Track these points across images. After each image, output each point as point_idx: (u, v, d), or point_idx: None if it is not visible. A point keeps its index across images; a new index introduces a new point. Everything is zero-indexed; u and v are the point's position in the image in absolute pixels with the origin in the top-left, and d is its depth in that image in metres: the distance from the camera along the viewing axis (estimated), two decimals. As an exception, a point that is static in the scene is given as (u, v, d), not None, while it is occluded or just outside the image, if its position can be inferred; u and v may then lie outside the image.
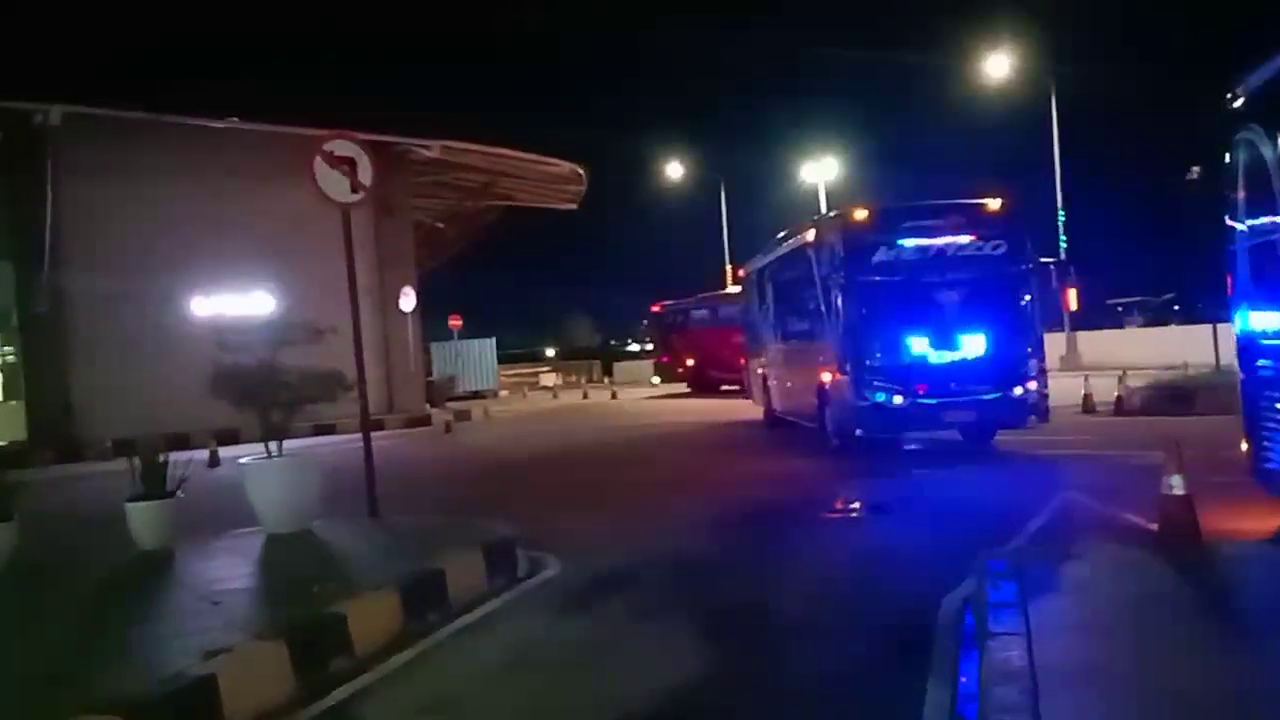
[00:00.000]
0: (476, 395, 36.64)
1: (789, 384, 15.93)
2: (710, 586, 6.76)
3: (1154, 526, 6.87)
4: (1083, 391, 16.29)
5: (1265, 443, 6.34)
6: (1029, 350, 12.21)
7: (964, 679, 4.51)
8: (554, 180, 28.95)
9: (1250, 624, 4.41)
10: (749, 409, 19.89)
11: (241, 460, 8.60)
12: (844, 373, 12.31)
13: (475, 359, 39.55)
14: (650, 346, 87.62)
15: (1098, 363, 24.47)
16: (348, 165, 8.67)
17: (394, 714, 4.79)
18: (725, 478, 12.12)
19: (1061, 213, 28.65)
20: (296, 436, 9.55)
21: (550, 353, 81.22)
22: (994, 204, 12.36)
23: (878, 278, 12.01)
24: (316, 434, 17.88)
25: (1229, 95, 6.54)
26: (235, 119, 22.33)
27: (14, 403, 21.94)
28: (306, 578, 6.51)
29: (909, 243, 12.06)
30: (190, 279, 21.56)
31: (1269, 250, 6.15)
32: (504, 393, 40.81)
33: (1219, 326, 18.98)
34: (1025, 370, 12.03)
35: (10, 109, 19.77)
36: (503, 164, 26.58)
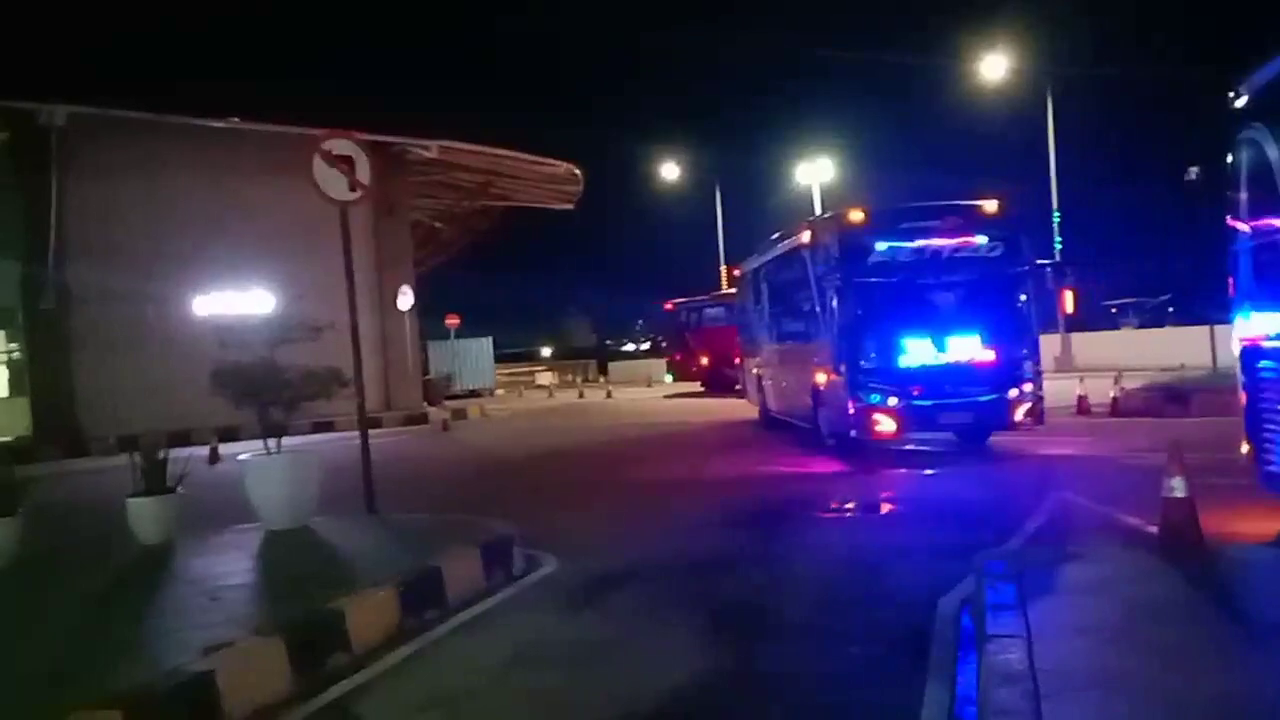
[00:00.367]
0: (473, 394, 36.68)
1: (784, 384, 15.96)
2: (706, 585, 6.76)
3: (1153, 529, 6.89)
4: (1077, 393, 16.31)
5: (1268, 445, 6.35)
6: (1025, 352, 12.23)
7: (963, 681, 4.54)
8: (551, 180, 28.98)
9: (1254, 628, 4.40)
10: (743, 409, 19.90)
11: (241, 457, 8.63)
12: (839, 374, 12.33)
13: (472, 358, 39.59)
14: (646, 345, 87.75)
15: (1092, 364, 24.51)
16: (346, 164, 8.70)
17: (391, 711, 4.79)
18: (720, 477, 12.13)
19: (1057, 214, 28.70)
20: (295, 433, 9.57)
21: (546, 352, 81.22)
22: (990, 205, 12.38)
23: (873, 279, 12.01)
24: (315, 431, 17.87)
25: (1232, 95, 6.54)
26: (236, 119, 22.39)
27: (20, 398, 22.00)
28: (305, 574, 6.53)
29: (905, 244, 12.06)
30: (193, 277, 21.69)
31: (1273, 251, 6.16)
32: (500, 391, 40.87)
33: (1216, 328, 19.09)
34: (1021, 372, 12.05)
35: (16, 109, 19.87)
36: (500, 164, 26.61)
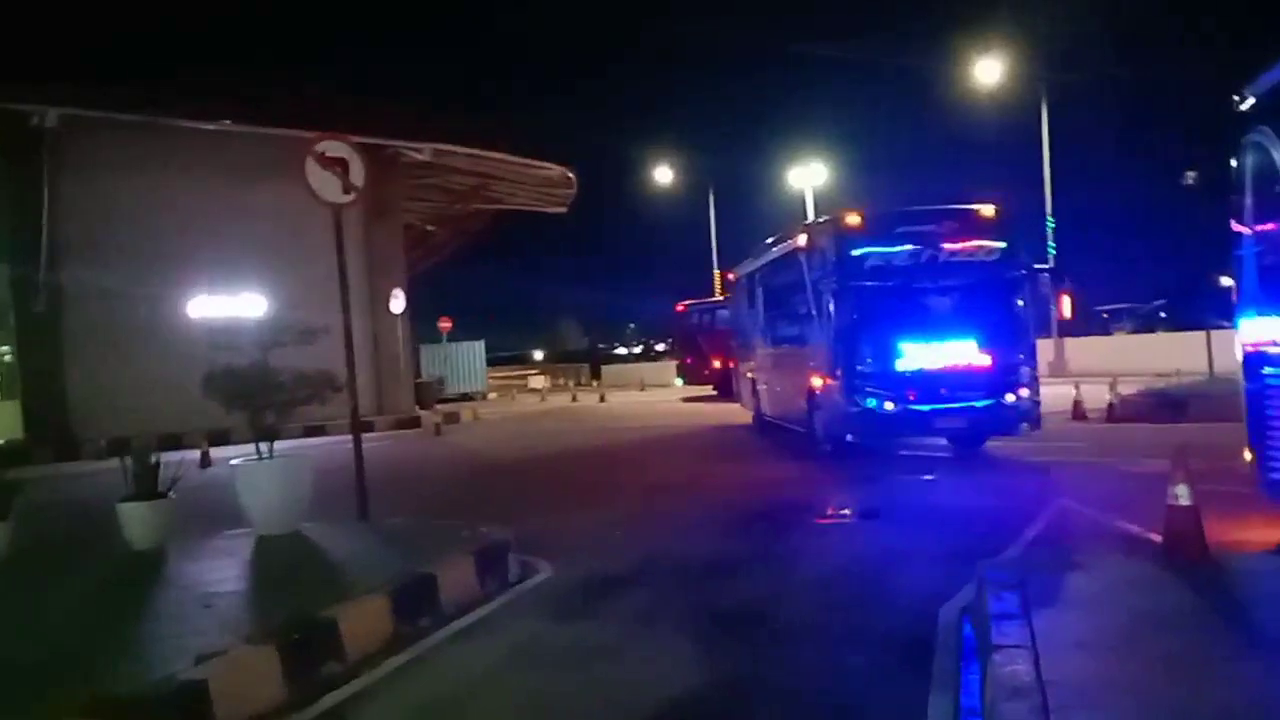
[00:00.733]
0: (465, 397, 36.56)
1: (779, 388, 15.91)
2: (703, 592, 6.70)
3: (1154, 536, 6.85)
4: (1073, 398, 16.31)
5: (1271, 452, 6.30)
6: (1021, 357, 12.20)
7: (966, 692, 4.48)
8: (544, 184, 28.91)
9: (1263, 639, 4.35)
10: (737, 413, 19.86)
11: (233, 461, 8.54)
12: (835, 378, 12.29)
13: (464, 361, 39.51)
14: (638, 349, 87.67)
15: (1086, 369, 24.57)
16: (340, 166, 8.62)
17: (386, 721, 4.72)
18: (715, 482, 12.06)
19: (1050, 219, 28.72)
20: (286, 437, 9.51)
21: (538, 355, 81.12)
22: (987, 209, 12.36)
23: (869, 282, 11.98)
24: (306, 435, 17.80)
25: (1236, 98, 6.50)
26: (228, 121, 22.28)
27: (10, 401, 21.87)
28: (298, 581, 6.45)
29: (901, 248, 12.03)
30: (184, 279, 21.58)
31: (1277, 255, 6.12)
32: (492, 395, 40.77)
33: (1213, 333, 19.12)
34: (1017, 377, 12.01)
35: (7, 110, 19.75)
36: (493, 167, 26.55)
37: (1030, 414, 12.09)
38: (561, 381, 51.09)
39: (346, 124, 11.95)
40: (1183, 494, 5.58)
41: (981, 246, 12.10)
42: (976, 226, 12.25)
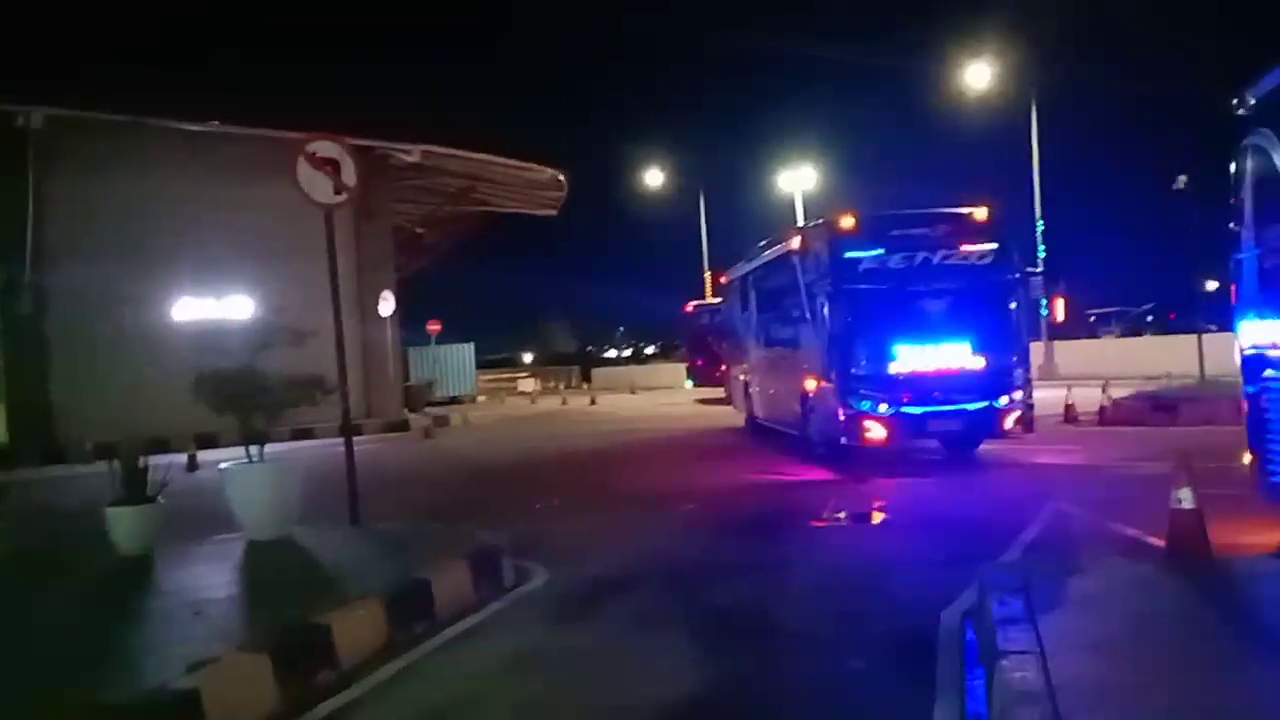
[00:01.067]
0: (454, 401, 36.41)
1: (772, 391, 15.86)
2: (700, 597, 6.62)
3: (1153, 539, 6.83)
4: (1065, 401, 16.31)
5: (1272, 455, 6.27)
6: (1014, 359, 12.18)
7: (972, 698, 4.42)
8: (534, 186, 28.81)
9: (1272, 642, 4.31)
10: (729, 416, 19.81)
11: (222, 465, 8.42)
12: (828, 381, 12.25)
13: (453, 364, 39.33)
14: (628, 351, 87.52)
15: (1075, 373, 24.61)
16: (331, 167, 8.53)
17: (382, 729, 4.63)
18: (710, 485, 11.99)
19: (1040, 222, 28.80)
20: (274, 441, 9.35)
21: (528, 358, 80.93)
22: (980, 212, 12.33)
23: (863, 285, 11.94)
24: (294, 438, 17.64)
25: (1236, 102, 6.48)
26: (216, 122, 22.13)
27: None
28: (289, 586, 6.35)
29: (895, 250, 11.99)
30: (172, 282, 21.44)
31: (1278, 258, 6.10)
32: (482, 398, 40.61)
33: (1205, 337, 19.19)
34: (1011, 380, 11.99)
35: (-8, 110, 19.54)
36: (483, 169, 26.42)
37: (1023, 416, 12.07)
38: (552, 384, 50.98)
39: (335, 125, 11.85)
40: (1186, 497, 5.54)
41: (975, 249, 12.07)
42: (970, 229, 12.22)
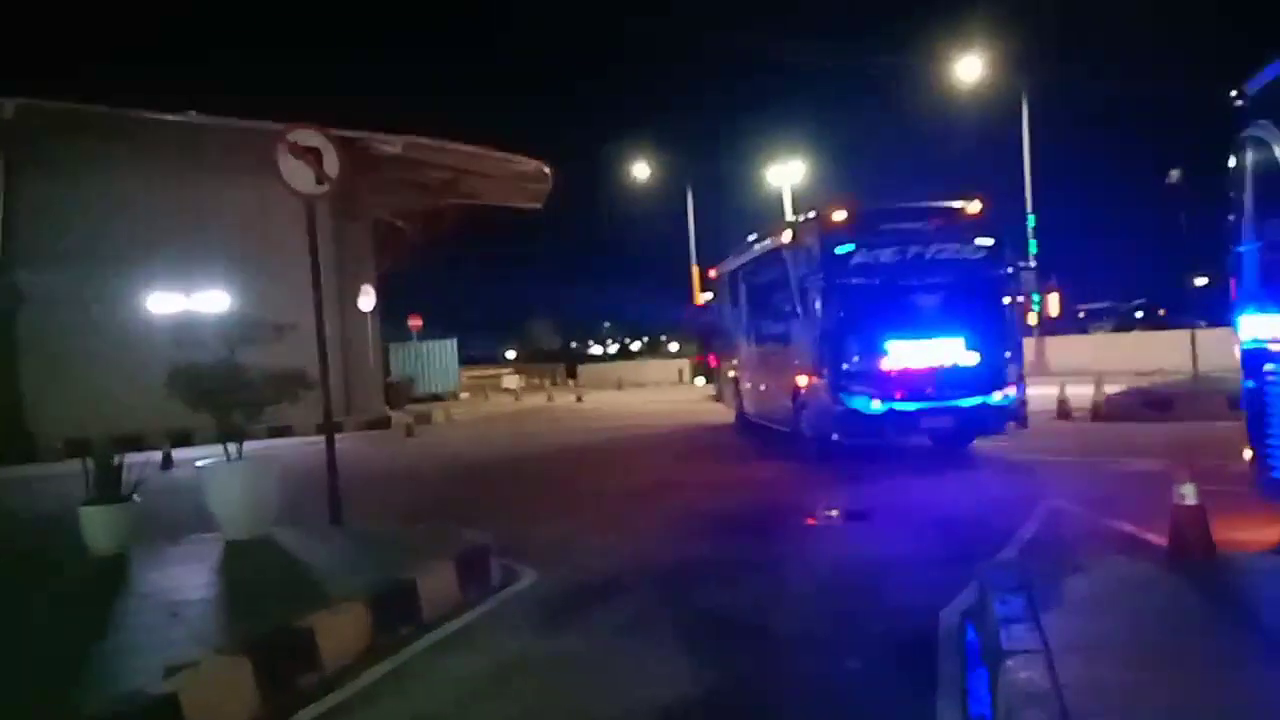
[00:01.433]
0: (435, 398, 36.12)
1: (763, 387, 15.72)
2: (693, 597, 6.48)
3: (1150, 535, 6.73)
4: (1057, 397, 16.25)
5: (1271, 451, 6.19)
6: (1008, 355, 12.08)
7: (974, 698, 4.29)
8: (519, 178, 28.53)
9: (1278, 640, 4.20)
10: (718, 412, 19.68)
11: (199, 463, 8.20)
12: (820, 376, 12.11)
13: (435, 360, 39.01)
14: (614, 348, 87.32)
15: (1066, 369, 24.60)
16: (312, 156, 8.32)
17: (366, 736, 4.47)
18: (699, 483, 11.85)
19: (1031, 217, 28.79)
20: (252, 438, 9.15)
21: (511, 355, 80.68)
22: (973, 206, 12.23)
23: (855, 280, 11.82)
24: (272, 436, 17.41)
25: (1236, 93, 6.39)
26: (193, 112, 21.79)
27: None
28: (270, 588, 6.17)
29: (887, 244, 11.87)
30: (145, 276, 21.13)
31: (1278, 251, 6.00)
32: (465, 395, 40.32)
33: (1198, 332, 19.21)
34: (1004, 375, 11.89)
35: (-39, 102, 19.15)
36: (467, 161, 26.12)
37: (1017, 413, 11.99)
38: (536, 381, 50.75)
39: (315, 116, 11.63)
40: (1189, 493, 5.43)
41: (968, 243, 11.97)
42: (963, 223, 12.12)
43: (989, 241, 12.07)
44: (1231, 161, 6.64)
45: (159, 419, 12.64)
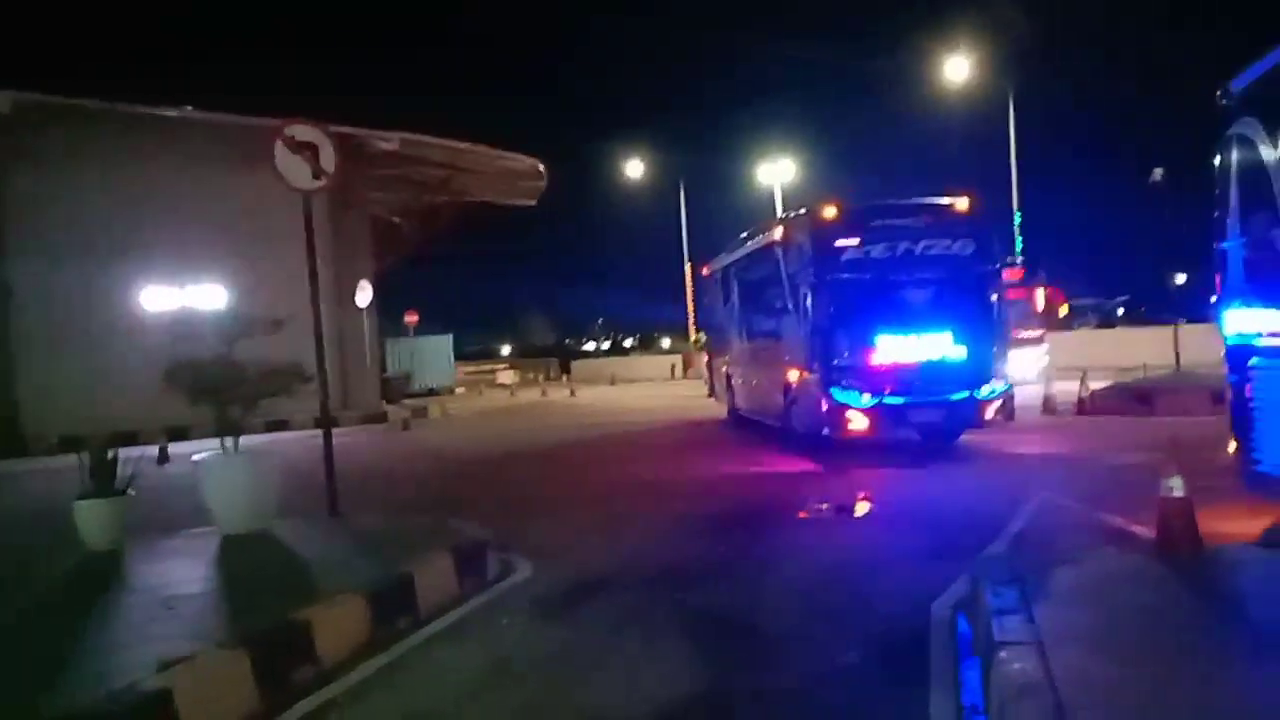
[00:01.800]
0: (431, 393, 36.13)
1: (754, 383, 15.80)
2: (687, 591, 6.53)
3: (1138, 528, 6.81)
4: (1044, 392, 16.35)
5: (1254, 444, 6.27)
6: (996, 350, 12.17)
7: (967, 690, 4.35)
8: (514, 176, 28.55)
9: (1271, 632, 4.26)
10: (710, 408, 19.73)
11: (196, 457, 8.22)
12: (811, 372, 12.19)
13: (431, 355, 39.02)
14: (607, 344, 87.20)
15: (1051, 364, 24.68)
16: (310, 151, 8.34)
17: (363, 728, 4.51)
18: (693, 477, 11.91)
19: (1018, 214, 28.92)
20: (249, 433, 9.18)
21: (506, 350, 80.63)
22: (962, 203, 12.30)
23: (846, 275, 11.90)
24: (269, 430, 17.39)
25: (1220, 92, 6.46)
26: (189, 108, 21.75)
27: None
28: (267, 581, 6.20)
29: (878, 241, 11.95)
30: (141, 270, 21.09)
31: (1263, 247, 6.08)
32: (460, 390, 40.32)
33: (1181, 328, 19.34)
34: (992, 370, 11.98)
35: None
36: (462, 158, 26.15)
37: (1005, 407, 12.07)
38: (531, 376, 50.73)
39: (312, 114, 11.64)
40: (1177, 485, 5.50)
41: (957, 239, 12.04)
42: (952, 219, 12.20)
43: (978, 237, 12.16)
44: (1216, 159, 6.72)
45: (156, 415, 12.66)
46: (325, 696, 4.76)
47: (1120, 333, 29.88)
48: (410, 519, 8.55)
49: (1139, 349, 22.81)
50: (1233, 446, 6.68)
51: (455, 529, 7.45)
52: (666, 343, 65.62)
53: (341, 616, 5.44)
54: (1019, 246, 28.22)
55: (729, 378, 17.80)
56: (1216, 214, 6.81)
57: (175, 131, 21.46)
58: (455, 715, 4.64)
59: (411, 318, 38.08)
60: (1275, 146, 5.84)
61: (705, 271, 20.95)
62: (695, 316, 37.16)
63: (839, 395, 11.72)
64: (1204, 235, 7.08)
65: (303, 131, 8.33)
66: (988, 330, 12.18)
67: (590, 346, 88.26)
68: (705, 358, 22.96)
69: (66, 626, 5.54)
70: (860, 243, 11.93)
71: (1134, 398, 15.62)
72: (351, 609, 5.55)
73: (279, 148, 8.21)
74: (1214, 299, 7.00)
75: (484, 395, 37.71)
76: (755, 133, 57.23)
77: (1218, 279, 6.84)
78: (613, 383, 38.60)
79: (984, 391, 11.87)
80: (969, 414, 12.01)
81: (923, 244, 12.02)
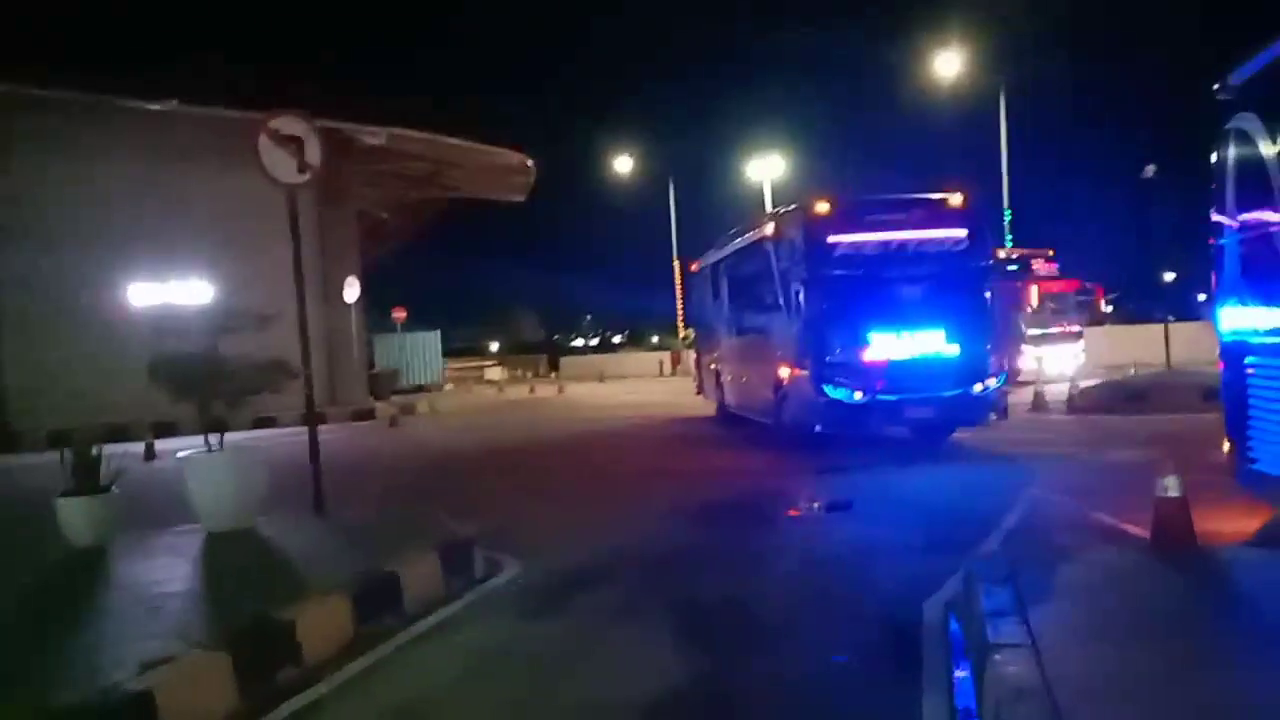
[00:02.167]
0: (420, 389, 35.95)
1: (744, 379, 15.73)
2: (676, 589, 6.48)
3: (1130, 526, 6.78)
4: (1034, 389, 16.35)
5: (1250, 442, 6.23)
6: (988, 347, 12.13)
7: (961, 692, 4.30)
8: (502, 171, 28.44)
9: (1266, 630, 4.22)
10: (699, 405, 19.67)
11: (180, 454, 8.12)
12: (803, 368, 12.13)
13: (419, 352, 38.80)
14: (595, 341, 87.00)
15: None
16: (295, 144, 8.24)
17: (348, 729, 4.43)
18: (684, 474, 11.86)
19: (1008, 210, 28.94)
20: (235, 429, 9.08)
21: (494, 347, 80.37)
22: (955, 199, 12.25)
23: (838, 271, 11.84)
24: (255, 427, 17.26)
25: (1217, 87, 6.40)
26: (175, 101, 21.55)
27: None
28: (251, 580, 6.12)
29: (870, 236, 11.90)
30: (127, 265, 20.92)
31: (1261, 244, 6.03)
32: (448, 387, 40.15)
33: (1170, 326, 19.38)
34: (985, 367, 11.94)
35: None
36: (450, 153, 26.03)
37: (998, 404, 12.05)
38: (519, 373, 50.54)
39: (298, 106, 11.51)
40: (1172, 485, 5.46)
41: (950, 235, 12.00)
42: (944, 215, 12.15)
43: (971, 233, 12.11)
44: (1213, 154, 6.66)
45: (143, 410, 12.52)
46: (309, 698, 4.69)
47: (1110, 330, 29.90)
48: (396, 516, 8.47)
49: (1130, 347, 22.83)
50: (1226, 446, 6.65)
51: (442, 526, 7.36)
52: (656, 339, 65.57)
53: (326, 616, 5.37)
54: (1009, 242, 28.22)
55: (718, 374, 17.72)
56: (1213, 210, 6.76)
57: (162, 124, 21.29)
58: (442, 712, 4.59)
59: (400, 314, 37.82)
60: (1274, 142, 5.79)
61: (694, 267, 20.86)
62: (684, 312, 37.27)
63: (831, 392, 11.67)
64: (1196, 232, 7.04)
65: (288, 124, 8.22)
66: (981, 326, 12.13)
67: (579, 343, 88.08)
68: (693, 354, 22.92)
69: (47, 626, 5.46)
70: (852, 238, 11.87)
71: (1124, 395, 15.64)
72: (335, 609, 5.48)
73: (263, 141, 8.11)
74: (1208, 296, 6.96)
75: (472, 392, 37.53)
76: (745, 128, 57.37)
77: (1214, 276, 6.79)
78: (602, 379, 38.51)
79: (977, 388, 11.83)
80: (962, 411, 11.97)
81: (916, 239, 11.97)
